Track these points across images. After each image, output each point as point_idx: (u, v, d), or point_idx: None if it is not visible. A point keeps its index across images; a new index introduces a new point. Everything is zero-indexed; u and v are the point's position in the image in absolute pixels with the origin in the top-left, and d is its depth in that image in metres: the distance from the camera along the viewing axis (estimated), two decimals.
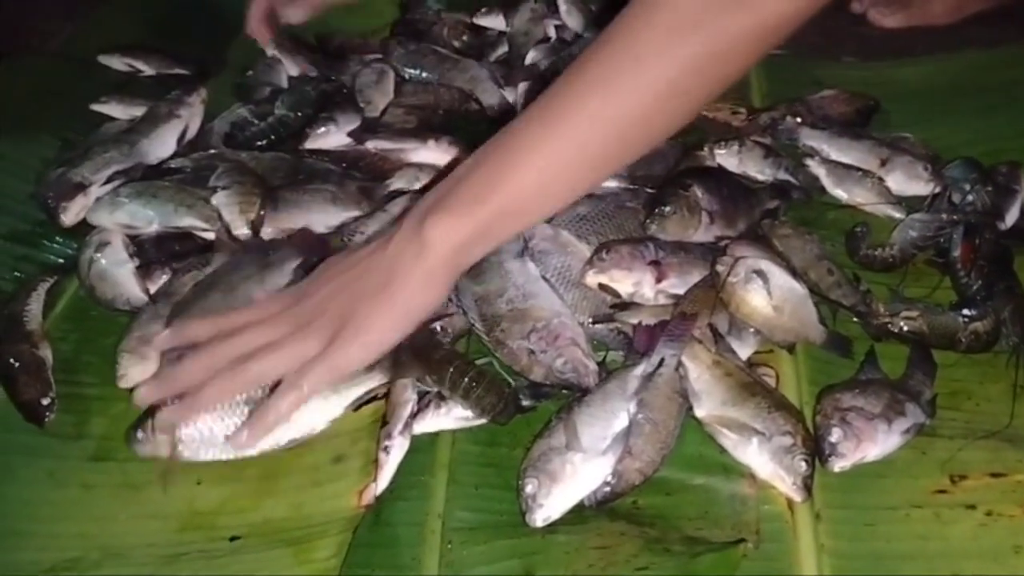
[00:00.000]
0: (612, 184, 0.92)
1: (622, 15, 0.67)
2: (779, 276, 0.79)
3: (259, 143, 1.03)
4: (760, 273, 0.78)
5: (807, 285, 0.80)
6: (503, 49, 1.18)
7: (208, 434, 0.72)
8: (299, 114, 1.06)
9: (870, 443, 0.70)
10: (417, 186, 0.96)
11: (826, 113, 1.06)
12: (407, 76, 1.12)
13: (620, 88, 0.66)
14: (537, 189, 0.69)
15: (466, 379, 0.73)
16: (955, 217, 0.90)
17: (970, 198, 0.92)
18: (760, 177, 0.95)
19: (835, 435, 0.70)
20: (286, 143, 1.04)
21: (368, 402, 0.75)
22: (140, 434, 0.71)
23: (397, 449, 0.71)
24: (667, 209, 0.84)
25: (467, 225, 0.68)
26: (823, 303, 0.81)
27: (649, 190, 0.91)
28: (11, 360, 0.80)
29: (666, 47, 0.65)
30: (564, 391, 0.75)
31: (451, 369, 0.73)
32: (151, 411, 0.72)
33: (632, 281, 0.80)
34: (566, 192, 0.71)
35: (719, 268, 0.79)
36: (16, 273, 0.91)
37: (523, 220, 0.72)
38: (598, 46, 0.68)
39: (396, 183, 0.96)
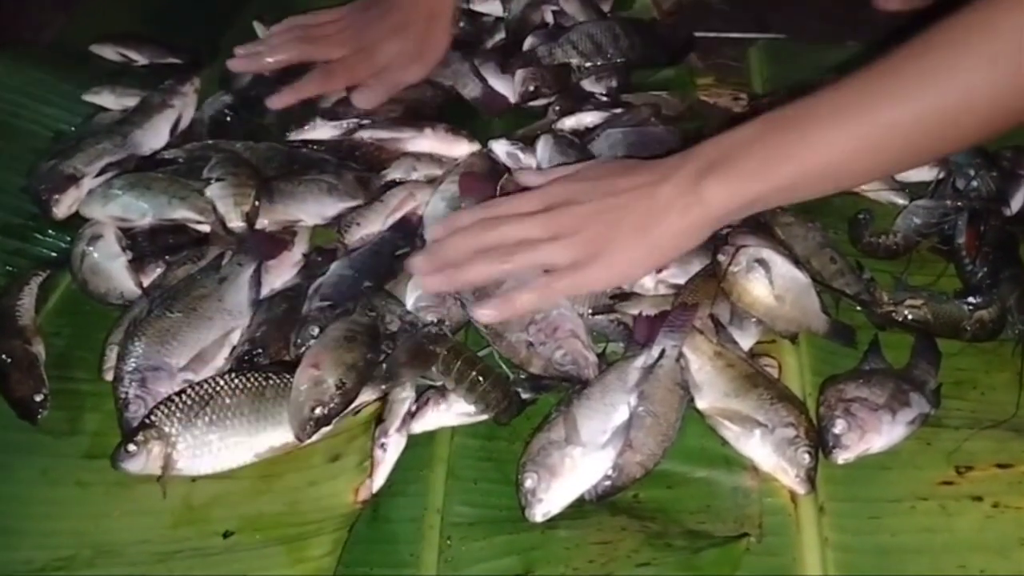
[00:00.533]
0: None
1: (965, 17, 0.65)
2: (781, 265, 0.77)
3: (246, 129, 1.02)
4: (762, 262, 0.77)
5: (809, 274, 0.79)
6: (500, 35, 1.16)
7: (204, 446, 0.71)
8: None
9: (874, 434, 0.69)
10: (414, 176, 0.94)
11: None
12: None
13: (940, 89, 0.66)
14: (829, 168, 0.69)
15: (474, 372, 0.72)
16: (959, 203, 0.88)
17: (974, 184, 0.90)
18: None
19: (839, 426, 0.69)
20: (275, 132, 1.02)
21: None
22: (132, 447, 0.70)
23: (393, 447, 0.70)
24: None
25: (747, 194, 0.70)
26: (826, 292, 0.80)
27: None
28: (3, 356, 0.79)
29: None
30: (564, 383, 0.74)
31: (459, 361, 0.72)
32: (140, 427, 0.71)
33: None
34: (855, 176, 0.73)
35: (720, 257, 0.77)
36: (8, 268, 0.90)
37: (799, 196, 0.73)
38: (930, 41, 0.66)
39: (393, 173, 0.94)
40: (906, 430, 0.70)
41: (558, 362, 0.74)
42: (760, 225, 0.84)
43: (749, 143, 0.70)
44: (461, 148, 0.97)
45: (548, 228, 0.75)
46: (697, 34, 1.17)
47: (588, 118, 0.98)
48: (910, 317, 0.79)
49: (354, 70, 1.04)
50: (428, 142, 0.98)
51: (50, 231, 0.93)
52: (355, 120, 1.00)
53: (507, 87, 1.06)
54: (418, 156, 0.96)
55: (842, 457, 0.69)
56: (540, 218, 0.76)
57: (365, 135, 0.99)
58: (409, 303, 0.80)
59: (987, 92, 0.65)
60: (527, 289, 0.74)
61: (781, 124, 0.70)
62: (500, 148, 0.93)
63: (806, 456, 0.68)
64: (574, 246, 0.74)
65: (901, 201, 0.90)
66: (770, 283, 0.76)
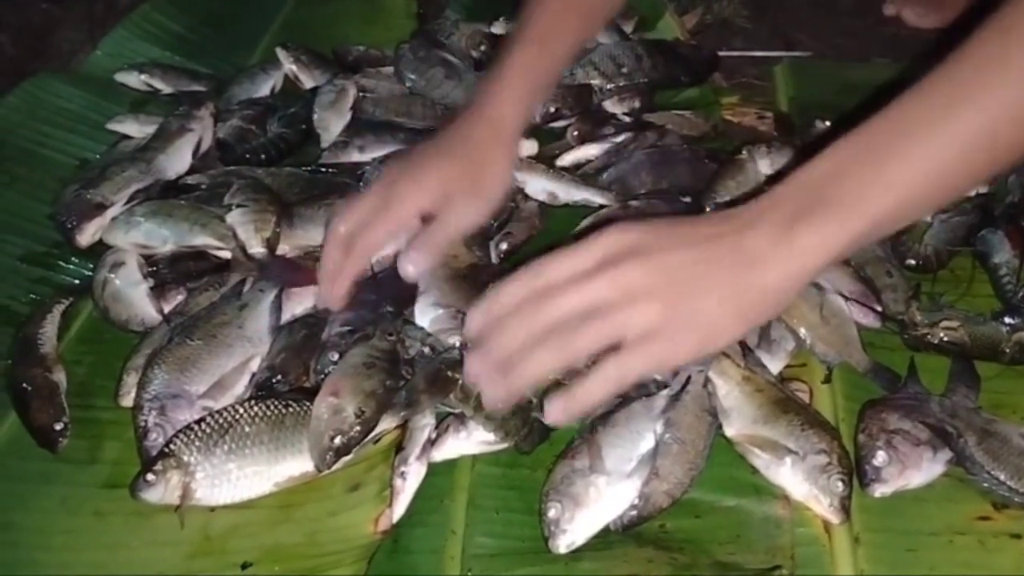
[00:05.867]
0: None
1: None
2: (832, 295, 0.78)
3: (259, 157, 1.02)
4: (816, 285, 0.77)
5: (862, 281, 0.80)
6: None
7: (223, 475, 0.70)
8: (298, 129, 1.06)
9: (914, 470, 0.67)
10: None
11: None
12: (408, 83, 1.10)
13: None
14: (927, 186, 0.59)
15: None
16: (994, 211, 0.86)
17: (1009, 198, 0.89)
18: None
19: (880, 458, 0.67)
20: (285, 159, 1.03)
21: None
22: (151, 476, 0.69)
23: (414, 475, 0.69)
24: None
25: (848, 234, 0.59)
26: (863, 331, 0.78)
27: (684, 199, 0.89)
28: (24, 385, 0.79)
29: None
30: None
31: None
32: (159, 456, 0.70)
33: None
34: (957, 187, 0.63)
35: None
36: (32, 295, 0.90)
37: (902, 221, 0.64)
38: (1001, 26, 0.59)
39: None
40: (944, 468, 0.68)
41: None
42: None
43: (836, 178, 0.59)
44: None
45: (615, 287, 0.60)
46: (721, 53, 1.16)
47: (592, 150, 0.99)
48: (946, 339, 0.77)
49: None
50: None
51: (74, 259, 0.94)
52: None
53: None
54: None
55: (879, 491, 0.67)
56: (604, 277, 0.60)
57: None
58: (425, 325, 0.79)
59: None
60: (596, 379, 0.60)
61: (865, 152, 0.60)
62: None
63: (840, 484, 0.66)
64: (650, 310, 0.59)
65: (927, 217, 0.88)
66: (820, 304, 0.76)
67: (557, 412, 0.62)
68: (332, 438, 0.69)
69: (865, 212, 0.59)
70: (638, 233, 0.62)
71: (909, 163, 0.58)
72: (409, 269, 0.78)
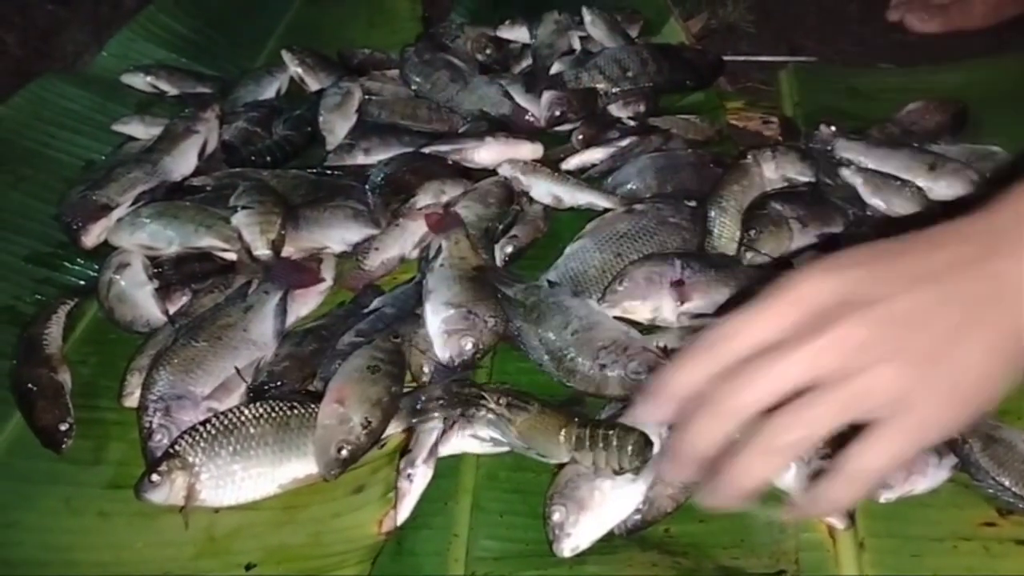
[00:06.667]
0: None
1: None
2: None
3: (264, 159, 1.03)
4: None
5: None
6: (527, 62, 1.16)
7: (228, 476, 0.70)
8: (303, 131, 1.06)
9: (920, 476, 0.67)
10: (444, 199, 0.93)
11: (922, 126, 1.01)
12: (413, 86, 1.10)
13: None
14: None
15: (600, 430, 0.66)
16: None
17: None
18: (801, 179, 0.92)
19: None
20: (290, 161, 1.04)
21: None
22: (156, 477, 0.69)
23: (420, 478, 0.69)
24: (753, 232, 0.84)
25: None
26: None
27: (688, 203, 0.89)
28: (30, 385, 0.79)
29: None
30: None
31: (583, 428, 0.66)
32: (164, 456, 0.70)
33: (649, 308, 0.78)
34: None
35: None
36: (37, 296, 0.90)
37: None
38: None
39: (422, 199, 0.93)
40: (949, 474, 0.68)
41: (633, 371, 0.72)
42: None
43: None
44: (524, 150, 0.98)
45: (837, 353, 0.45)
46: (726, 58, 1.16)
47: (597, 154, 0.99)
48: None
49: None
50: (493, 149, 0.98)
51: (79, 259, 0.94)
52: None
53: (535, 107, 1.05)
54: (444, 181, 0.95)
55: (884, 496, 0.66)
56: (819, 342, 0.45)
57: (428, 151, 1.00)
58: (435, 326, 0.78)
59: None
60: (840, 484, 0.47)
61: None
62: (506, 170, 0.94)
63: None
64: (893, 376, 0.45)
65: None
66: None
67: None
68: (339, 449, 0.69)
69: None
70: (847, 275, 0.47)
71: None
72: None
